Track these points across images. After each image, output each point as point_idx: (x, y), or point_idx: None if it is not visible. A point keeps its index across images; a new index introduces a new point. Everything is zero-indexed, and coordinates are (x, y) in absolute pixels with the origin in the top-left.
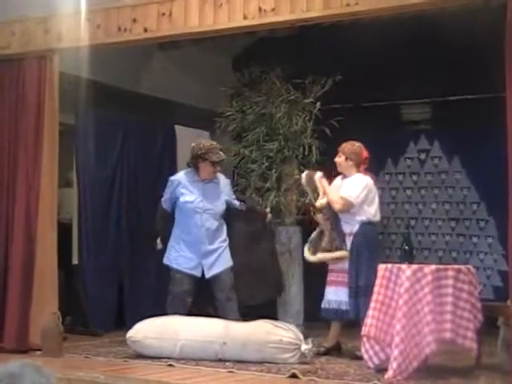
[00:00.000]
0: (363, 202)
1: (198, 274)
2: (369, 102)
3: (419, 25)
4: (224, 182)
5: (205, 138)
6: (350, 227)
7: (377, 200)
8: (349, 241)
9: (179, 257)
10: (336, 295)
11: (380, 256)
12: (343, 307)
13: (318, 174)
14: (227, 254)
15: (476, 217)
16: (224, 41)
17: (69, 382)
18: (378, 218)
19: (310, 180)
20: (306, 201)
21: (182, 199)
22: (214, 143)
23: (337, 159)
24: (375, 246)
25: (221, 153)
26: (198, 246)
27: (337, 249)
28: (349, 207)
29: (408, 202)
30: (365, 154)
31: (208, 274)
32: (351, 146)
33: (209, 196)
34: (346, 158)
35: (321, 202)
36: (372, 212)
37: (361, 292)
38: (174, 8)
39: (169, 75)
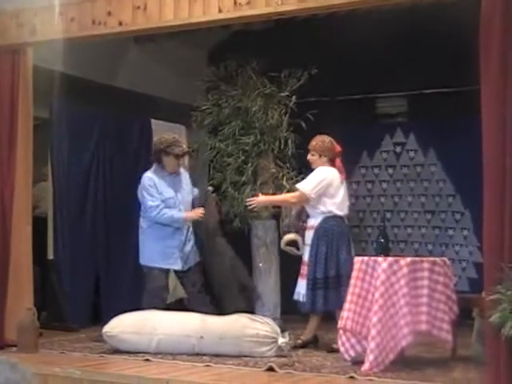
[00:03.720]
0: (322, 195)
1: (178, 267)
2: (344, 96)
3: (394, 18)
4: (186, 173)
5: (168, 133)
6: (314, 220)
7: (341, 193)
8: (311, 234)
9: (154, 254)
10: (300, 287)
11: (344, 249)
12: (302, 299)
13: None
14: (195, 247)
15: (451, 209)
16: (199, 34)
17: (44, 377)
18: (343, 211)
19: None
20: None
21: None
22: (176, 136)
23: (310, 157)
24: (336, 239)
25: (183, 146)
26: (177, 239)
27: (284, 233)
28: (303, 199)
29: (384, 194)
30: (337, 148)
31: (188, 265)
32: (322, 144)
33: (179, 189)
34: (320, 156)
35: (288, 237)
36: (334, 205)
37: (318, 284)
38: (148, 1)
39: (144, 69)
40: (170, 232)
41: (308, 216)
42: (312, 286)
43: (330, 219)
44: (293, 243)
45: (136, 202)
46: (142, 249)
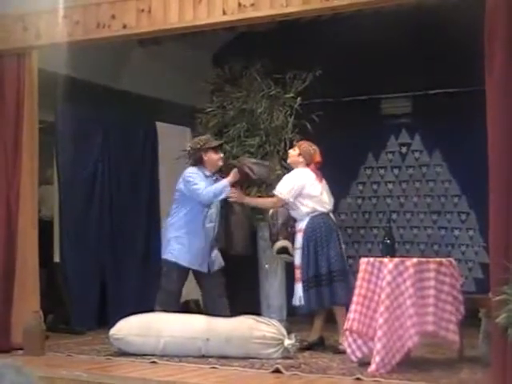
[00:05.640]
0: (298, 196)
1: (205, 269)
2: (349, 97)
3: (399, 19)
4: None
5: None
6: (301, 223)
7: (320, 190)
8: (300, 237)
9: (185, 252)
10: (297, 291)
11: (333, 245)
12: (299, 302)
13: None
14: (219, 253)
15: (457, 210)
16: (204, 36)
17: (51, 380)
18: (327, 208)
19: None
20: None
21: None
22: (208, 135)
23: (291, 151)
24: (325, 236)
25: (217, 142)
26: (208, 239)
27: (274, 242)
28: (281, 203)
29: (389, 195)
30: (317, 158)
31: (213, 268)
32: (308, 146)
33: None
34: (299, 154)
35: (279, 245)
36: (316, 202)
37: (311, 283)
38: (153, 4)
39: (149, 71)
40: (206, 233)
41: (295, 221)
42: (307, 288)
43: (316, 218)
44: (284, 250)
45: (142, 203)
46: (170, 246)
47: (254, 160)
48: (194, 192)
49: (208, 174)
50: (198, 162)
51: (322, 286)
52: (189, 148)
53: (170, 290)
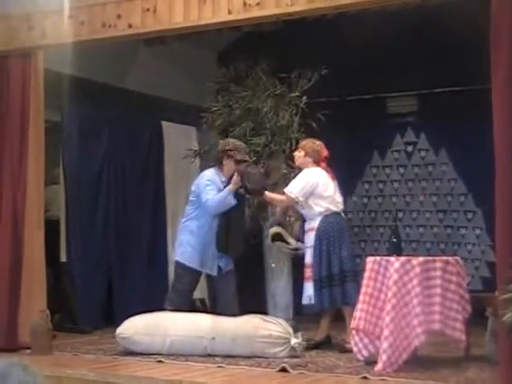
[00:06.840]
0: (310, 196)
1: (214, 272)
2: (355, 96)
3: (404, 18)
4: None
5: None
6: (312, 223)
7: (332, 189)
8: (312, 236)
9: (197, 255)
10: (308, 290)
11: (345, 245)
12: (310, 301)
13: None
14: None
15: (463, 208)
16: (209, 36)
17: (58, 379)
18: (339, 207)
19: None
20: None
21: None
22: (244, 145)
23: (296, 153)
24: (338, 236)
25: (246, 155)
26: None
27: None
28: (290, 202)
29: (395, 194)
30: (324, 152)
31: (223, 269)
32: (312, 144)
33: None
34: (306, 154)
35: (272, 231)
36: (329, 202)
37: (324, 283)
38: (158, 4)
39: (154, 71)
40: (213, 236)
41: (305, 220)
42: (319, 287)
43: (329, 217)
44: (278, 236)
45: (147, 202)
46: (183, 248)
47: (250, 170)
48: (202, 200)
49: (224, 179)
50: (219, 163)
51: (334, 286)
52: (219, 143)
53: (182, 291)
